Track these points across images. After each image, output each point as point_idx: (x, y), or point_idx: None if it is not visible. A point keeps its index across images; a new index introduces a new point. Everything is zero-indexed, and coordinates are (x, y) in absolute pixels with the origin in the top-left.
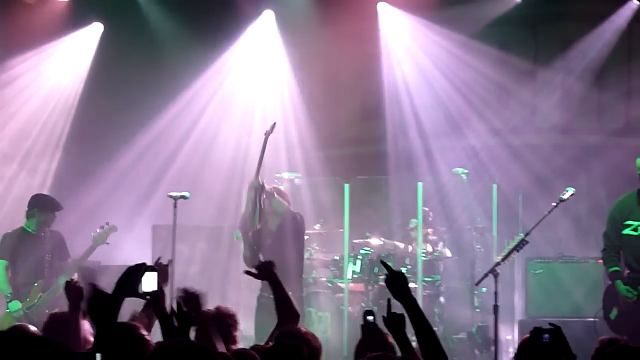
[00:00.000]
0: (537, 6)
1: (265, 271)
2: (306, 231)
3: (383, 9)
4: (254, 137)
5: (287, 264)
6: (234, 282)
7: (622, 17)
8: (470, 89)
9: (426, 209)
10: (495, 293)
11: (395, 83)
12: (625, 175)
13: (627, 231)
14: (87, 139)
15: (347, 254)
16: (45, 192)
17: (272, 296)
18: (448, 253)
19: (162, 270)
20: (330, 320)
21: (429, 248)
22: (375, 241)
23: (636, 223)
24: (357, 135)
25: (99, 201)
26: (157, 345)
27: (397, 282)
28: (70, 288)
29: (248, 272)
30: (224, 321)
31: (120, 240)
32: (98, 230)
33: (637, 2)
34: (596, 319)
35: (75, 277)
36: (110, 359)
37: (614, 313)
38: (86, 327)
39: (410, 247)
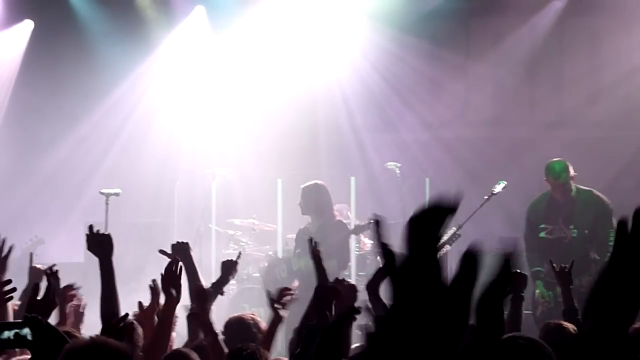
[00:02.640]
0: (469, 0)
1: (180, 251)
2: (247, 223)
3: (314, 3)
4: (185, 132)
5: None
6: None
7: (552, 10)
8: (402, 83)
9: (344, 205)
10: None
11: (327, 77)
12: None
13: (542, 234)
14: (18, 136)
15: (282, 250)
16: None
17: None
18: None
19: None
20: (264, 315)
21: (368, 242)
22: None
23: (550, 227)
24: (289, 130)
25: (31, 198)
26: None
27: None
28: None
29: (162, 252)
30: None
31: (53, 238)
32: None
33: None
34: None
35: None
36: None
37: (539, 310)
38: None
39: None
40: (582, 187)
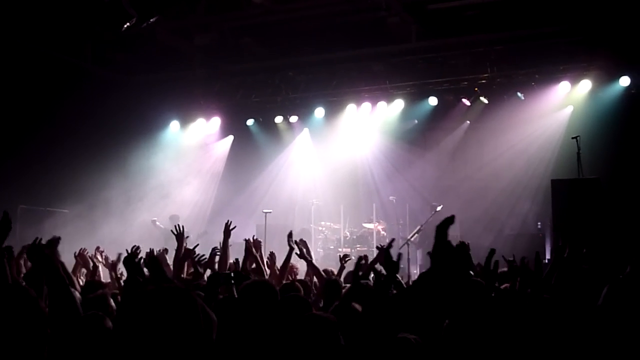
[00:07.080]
0: (425, 124)
1: (256, 244)
2: (327, 224)
3: (362, 131)
4: (298, 184)
5: None
6: None
7: (463, 129)
8: (394, 160)
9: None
10: (408, 260)
11: (362, 157)
12: (463, 199)
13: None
14: (225, 186)
15: (343, 236)
16: (209, 210)
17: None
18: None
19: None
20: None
21: (382, 231)
22: (352, 228)
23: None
24: (346, 181)
25: (231, 213)
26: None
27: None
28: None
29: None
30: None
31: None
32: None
33: (469, 122)
34: None
35: None
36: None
37: None
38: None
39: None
40: None
